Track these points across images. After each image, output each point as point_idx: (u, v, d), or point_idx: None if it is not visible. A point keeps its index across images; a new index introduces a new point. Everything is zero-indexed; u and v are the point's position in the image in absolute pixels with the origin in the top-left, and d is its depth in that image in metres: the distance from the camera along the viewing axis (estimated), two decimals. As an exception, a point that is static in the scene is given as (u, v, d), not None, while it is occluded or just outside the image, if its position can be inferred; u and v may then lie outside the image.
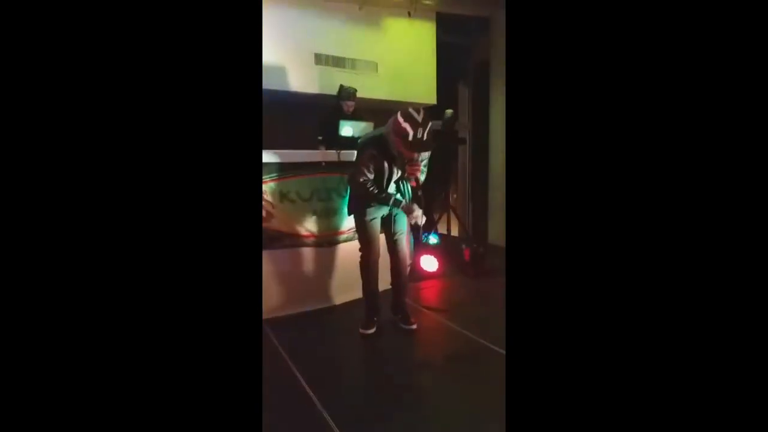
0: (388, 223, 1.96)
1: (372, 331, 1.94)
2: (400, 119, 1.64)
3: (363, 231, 1.92)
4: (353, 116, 2.79)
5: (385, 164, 1.78)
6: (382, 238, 1.99)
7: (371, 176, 1.78)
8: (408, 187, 1.90)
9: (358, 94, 3.18)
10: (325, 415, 1.31)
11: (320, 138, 2.63)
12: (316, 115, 2.84)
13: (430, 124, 1.65)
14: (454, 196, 4.30)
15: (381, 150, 1.75)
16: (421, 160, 1.79)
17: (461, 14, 3.65)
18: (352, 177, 1.86)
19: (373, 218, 1.90)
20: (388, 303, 2.06)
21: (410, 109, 1.64)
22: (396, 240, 1.96)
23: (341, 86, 2.78)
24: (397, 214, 1.94)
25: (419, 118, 1.63)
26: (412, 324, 1.97)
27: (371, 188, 1.79)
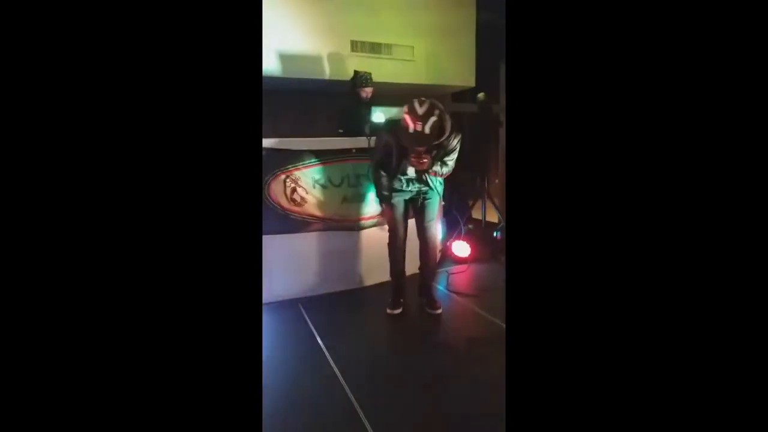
0: (419, 211, 2.00)
1: (398, 311, 2.02)
2: (405, 110, 1.63)
3: (388, 214, 1.99)
4: (371, 103, 2.74)
5: (396, 151, 1.80)
6: (410, 222, 2.04)
7: (379, 159, 1.86)
8: (434, 179, 1.90)
9: (395, 80, 3.19)
10: (348, 391, 1.41)
11: (341, 131, 2.61)
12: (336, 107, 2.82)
13: (433, 118, 1.59)
14: (496, 181, 4.19)
15: (393, 136, 1.76)
16: (448, 152, 1.78)
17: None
18: (371, 160, 1.98)
19: (397, 201, 1.95)
20: (416, 286, 2.12)
21: (415, 101, 1.62)
22: (426, 227, 1.99)
23: (356, 72, 2.71)
24: (428, 201, 1.96)
25: (420, 110, 1.59)
26: (437, 308, 2.01)
27: (377, 173, 1.89)
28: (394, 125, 1.76)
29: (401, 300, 2.06)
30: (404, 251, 2.04)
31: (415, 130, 1.59)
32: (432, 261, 2.05)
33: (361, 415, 1.28)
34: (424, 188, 1.94)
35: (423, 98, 1.64)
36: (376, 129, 1.93)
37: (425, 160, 1.72)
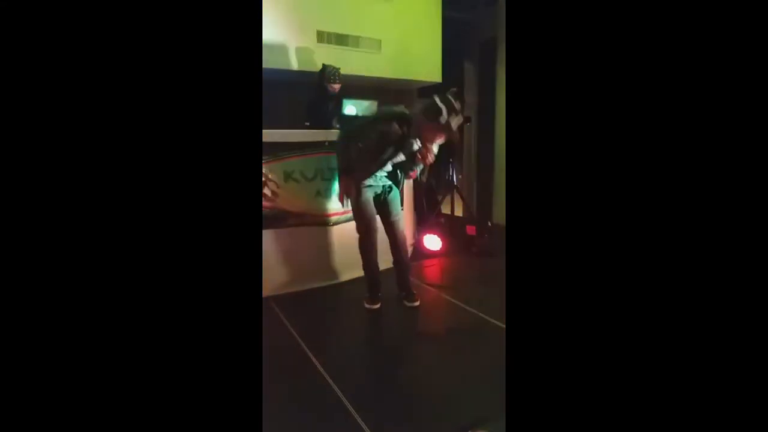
0: (383, 206, 1.97)
1: (377, 306, 2.00)
2: (437, 100, 1.62)
3: (357, 211, 1.93)
4: (340, 95, 2.70)
5: (393, 144, 1.78)
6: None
7: (369, 148, 1.80)
8: (402, 176, 1.93)
9: (361, 72, 3.15)
10: (330, 381, 1.37)
11: (307, 124, 2.55)
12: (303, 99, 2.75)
13: (461, 117, 1.65)
14: (460, 176, 4.29)
15: (399, 125, 1.74)
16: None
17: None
18: (347, 147, 1.87)
19: (366, 198, 1.91)
20: (392, 281, 2.10)
21: (449, 94, 1.63)
22: (393, 221, 1.98)
23: (324, 65, 2.65)
24: (390, 196, 1.97)
25: (457, 105, 1.62)
26: (415, 301, 2.01)
27: (365, 161, 1.81)
28: (402, 115, 1.75)
29: (379, 294, 2.03)
30: (376, 250, 2.01)
31: (448, 123, 1.60)
32: (404, 254, 2.05)
33: (351, 409, 1.24)
34: (388, 183, 1.96)
35: (455, 90, 1.67)
36: (383, 116, 1.82)
37: (431, 157, 1.72)
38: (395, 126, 1.74)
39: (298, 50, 2.94)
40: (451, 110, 1.60)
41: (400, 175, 1.94)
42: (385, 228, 2.01)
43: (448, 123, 1.60)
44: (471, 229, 2.85)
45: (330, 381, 1.39)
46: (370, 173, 1.87)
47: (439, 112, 1.60)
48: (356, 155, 1.86)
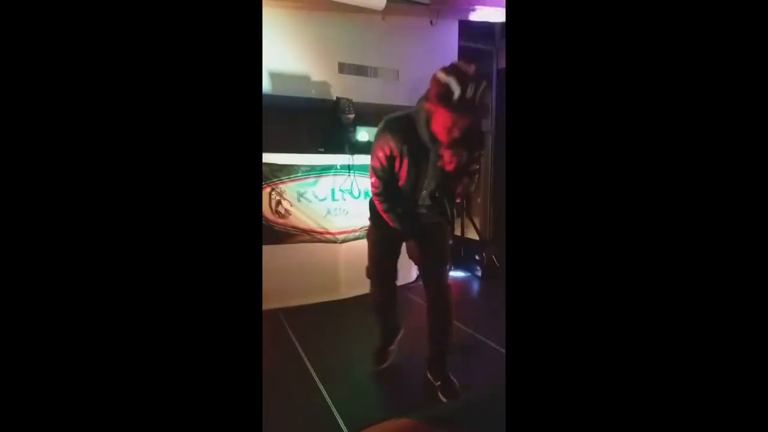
0: (426, 248, 1.35)
1: (386, 365, 1.57)
2: (441, 75, 1.08)
3: (371, 247, 1.46)
4: (355, 123, 2.86)
5: (407, 160, 1.23)
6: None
7: (382, 174, 1.27)
8: (448, 202, 1.32)
9: (379, 101, 3.33)
10: (327, 397, 1.45)
11: (321, 150, 2.67)
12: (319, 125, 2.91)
13: (485, 83, 1.07)
14: (478, 200, 4.35)
15: (403, 136, 1.21)
16: (473, 159, 1.22)
17: (483, 21, 3.71)
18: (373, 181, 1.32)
19: (384, 235, 1.38)
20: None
21: (456, 62, 1.12)
22: (438, 273, 1.38)
23: (338, 98, 2.79)
24: (434, 232, 1.38)
25: (470, 70, 1.06)
26: (456, 395, 1.37)
27: (380, 196, 1.30)
28: (403, 120, 1.24)
29: (392, 345, 1.60)
30: (395, 307, 1.52)
31: (463, 97, 1.04)
32: (448, 324, 1.40)
33: (341, 423, 1.32)
34: (430, 213, 1.36)
35: (462, 62, 1.11)
36: (378, 132, 1.28)
37: (460, 157, 1.18)
38: (401, 136, 1.21)
39: (320, 80, 3.17)
40: (463, 80, 1.04)
41: (443, 198, 1.34)
42: (425, 282, 1.42)
43: (464, 97, 1.04)
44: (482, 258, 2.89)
45: (320, 385, 1.49)
46: (404, 202, 1.32)
47: (447, 87, 1.05)
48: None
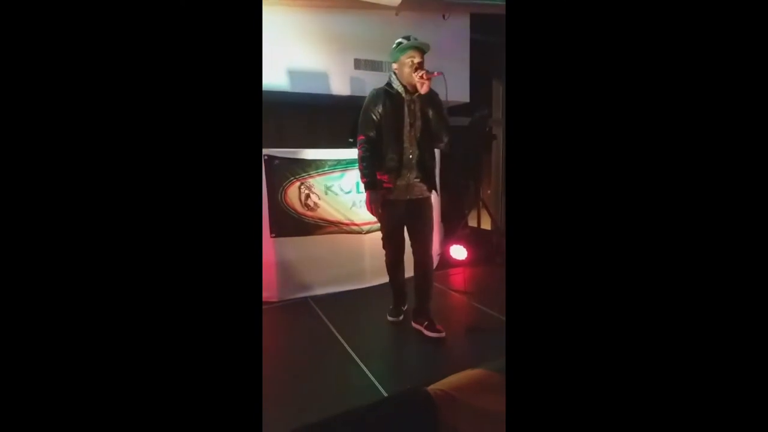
0: (413, 219, 1.82)
1: (400, 318, 2.05)
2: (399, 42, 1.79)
3: (383, 227, 1.87)
4: None
5: (391, 121, 1.72)
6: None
7: (372, 136, 1.74)
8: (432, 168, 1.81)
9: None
10: (356, 358, 1.60)
11: (351, 140, 2.78)
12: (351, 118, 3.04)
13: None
14: (489, 191, 4.44)
15: (379, 99, 1.75)
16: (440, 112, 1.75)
17: (495, 14, 3.77)
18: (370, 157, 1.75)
19: (392, 213, 1.80)
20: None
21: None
22: (424, 234, 1.83)
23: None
24: (423, 202, 1.83)
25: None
26: (439, 331, 1.83)
27: (366, 152, 1.73)
28: (379, 90, 1.80)
29: (403, 308, 2.07)
30: (403, 267, 1.94)
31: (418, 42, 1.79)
32: (429, 278, 1.88)
33: (378, 387, 1.46)
34: (418, 180, 1.80)
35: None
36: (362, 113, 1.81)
37: (428, 77, 1.69)
38: (384, 100, 1.74)
39: (336, 76, 3.27)
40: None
41: (425, 159, 1.78)
42: (412, 242, 1.87)
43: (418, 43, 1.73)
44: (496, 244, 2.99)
45: (356, 358, 1.67)
46: (389, 159, 1.74)
47: (402, 44, 1.77)
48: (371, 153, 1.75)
